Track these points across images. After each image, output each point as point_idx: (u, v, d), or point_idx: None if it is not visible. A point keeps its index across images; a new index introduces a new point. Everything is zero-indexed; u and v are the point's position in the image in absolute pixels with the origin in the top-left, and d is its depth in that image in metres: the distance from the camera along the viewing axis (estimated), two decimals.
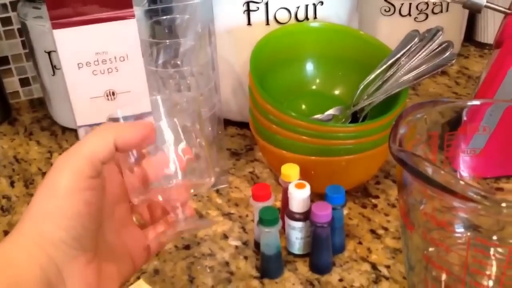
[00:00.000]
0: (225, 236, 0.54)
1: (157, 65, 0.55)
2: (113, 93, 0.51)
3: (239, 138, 0.70)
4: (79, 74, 0.49)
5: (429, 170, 0.37)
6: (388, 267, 0.50)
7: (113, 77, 0.50)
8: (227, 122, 0.72)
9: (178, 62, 0.55)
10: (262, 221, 0.47)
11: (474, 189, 0.35)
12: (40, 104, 0.79)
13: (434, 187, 0.36)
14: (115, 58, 0.49)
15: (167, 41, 0.55)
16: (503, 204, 0.35)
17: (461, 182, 0.35)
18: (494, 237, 0.47)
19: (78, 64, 0.48)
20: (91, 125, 0.52)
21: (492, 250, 0.47)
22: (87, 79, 0.49)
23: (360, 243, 0.53)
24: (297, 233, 0.50)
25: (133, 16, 0.48)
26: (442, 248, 0.42)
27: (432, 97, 0.78)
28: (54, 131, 0.74)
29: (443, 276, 0.44)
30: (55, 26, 0.47)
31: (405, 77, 0.56)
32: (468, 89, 0.80)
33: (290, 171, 0.50)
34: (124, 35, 0.48)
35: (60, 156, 0.37)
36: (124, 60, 0.49)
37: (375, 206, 0.57)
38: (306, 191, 0.48)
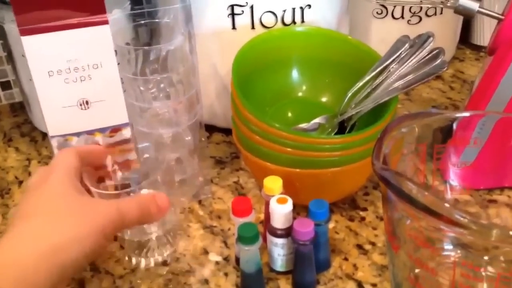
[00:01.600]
0: (206, 251, 0.52)
1: (135, 73, 0.52)
2: (87, 102, 0.48)
3: (224, 145, 0.68)
4: (50, 82, 0.46)
5: (414, 191, 0.34)
6: (374, 285, 0.48)
7: (86, 85, 0.47)
8: (213, 129, 0.70)
9: (158, 69, 0.53)
10: (240, 239, 0.44)
11: (461, 212, 0.33)
12: (21, 108, 0.77)
13: (419, 209, 0.34)
14: (88, 66, 0.47)
15: (146, 47, 0.52)
16: (495, 230, 0.32)
17: (446, 205, 0.33)
18: (486, 257, 0.45)
19: (48, 72, 0.46)
20: (64, 135, 0.49)
21: (482, 269, 0.45)
22: (58, 87, 0.47)
23: (346, 259, 0.50)
24: (279, 249, 0.47)
25: (106, 22, 0.46)
26: (428, 271, 0.40)
27: (425, 102, 0.76)
28: (34, 137, 0.71)
29: None
30: (23, 32, 0.44)
31: (395, 85, 0.54)
32: (462, 94, 0.77)
33: (273, 184, 0.48)
34: (97, 42, 0.46)
35: None
36: (97, 68, 0.47)
37: (363, 219, 0.55)
38: (288, 206, 0.46)
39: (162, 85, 0.53)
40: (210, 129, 0.70)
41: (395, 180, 0.35)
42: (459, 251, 0.44)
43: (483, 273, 0.43)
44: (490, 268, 0.45)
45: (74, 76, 0.47)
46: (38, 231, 0.39)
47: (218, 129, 0.70)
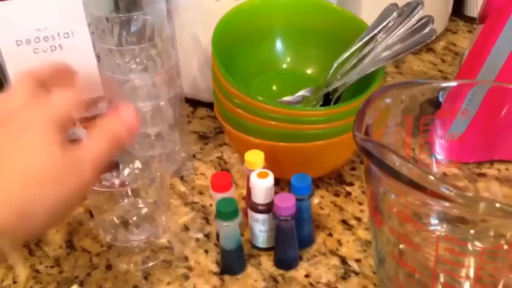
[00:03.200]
0: (186, 228, 0.50)
1: (111, 44, 0.50)
2: None
3: (208, 120, 0.66)
4: (19, 53, 0.44)
5: (397, 163, 0.33)
6: (358, 261, 0.46)
7: (58, 56, 0.45)
8: (197, 103, 0.68)
9: (135, 40, 0.51)
10: (219, 214, 0.43)
11: (446, 185, 0.31)
12: None
13: (403, 183, 0.32)
14: (58, 35, 0.45)
15: (121, 15, 0.50)
16: (482, 203, 0.31)
17: (431, 177, 0.31)
18: (472, 231, 0.43)
19: (16, 41, 0.44)
20: None
21: (469, 243, 0.44)
22: (28, 58, 0.45)
23: (330, 235, 0.49)
24: (260, 225, 0.46)
25: None
26: (412, 247, 0.38)
27: (416, 75, 0.74)
28: None
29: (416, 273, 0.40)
30: None
31: (382, 55, 0.52)
32: (454, 66, 0.75)
33: (254, 158, 0.46)
34: (66, 10, 0.44)
35: None
36: (68, 36, 0.45)
37: (348, 194, 0.54)
38: (269, 181, 0.44)
39: (139, 57, 0.51)
40: (194, 104, 0.68)
41: (378, 152, 0.33)
42: (445, 226, 0.43)
43: (470, 248, 0.41)
44: (477, 243, 0.44)
45: (44, 45, 0.45)
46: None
47: (203, 103, 0.68)
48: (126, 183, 0.46)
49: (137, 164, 0.49)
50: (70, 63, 0.46)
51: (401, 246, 0.40)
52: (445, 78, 0.72)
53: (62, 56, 0.45)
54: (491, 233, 0.44)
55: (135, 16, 0.49)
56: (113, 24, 0.50)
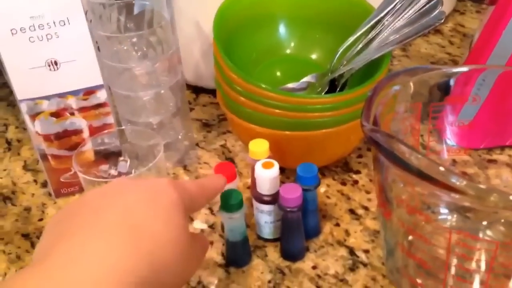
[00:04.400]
0: (190, 219, 0.49)
1: (109, 31, 0.49)
2: (56, 63, 0.45)
3: (211, 107, 0.65)
4: (14, 42, 0.43)
5: (406, 154, 0.31)
6: (366, 251, 0.45)
7: (54, 44, 0.44)
8: (199, 90, 0.66)
9: (134, 27, 0.49)
10: (223, 206, 0.42)
11: (457, 176, 0.30)
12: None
13: (412, 174, 0.31)
14: (53, 22, 0.43)
15: (119, 1, 0.48)
16: (494, 195, 0.29)
17: (442, 168, 0.30)
18: (484, 222, 0.42)
19: (11, 30, 0.42)
20: (33, 99, 0.46)
21: (481, 234, 0.42)
22: (23, 47, 0.43)
23: (337, 224, 0.48)
24: (266, 216, 0.45)
25: None
26: (421, 240, 0.37)
27: (423, 58, 0.72)
28: (12, 102, 0.68)
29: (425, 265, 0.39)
30: None
31: (389, 39, 0.50)
32: (462, 48, 0.73)
33: (259, 148, 0.45)
34: None
35: None
36: (64, 24, 0.43)
37: (356, 182, 0.52)
38: (274, 171, 0.43)
39: (139, 45, 0.50)
40: (197, 90, 0.67)
41: (386, 143, 0.32)
42: (455, 216, 0.41)
43: (481, 238, 0.40)
44: (489, 233, 0.42)
45: (40, 34, 0.43)
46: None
47: (205, 90, 0.67)
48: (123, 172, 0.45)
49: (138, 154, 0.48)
50: (67, 51, 0.45)
51: (410, 237, 0.39)
52: (454, 61, 0.71)
53: (58, 44, 0.44)
54: (502, 224, 0.43)
55: (133, 2, 0.48)
56: (111, 10, 0.48)
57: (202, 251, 0.37)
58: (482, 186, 0.29)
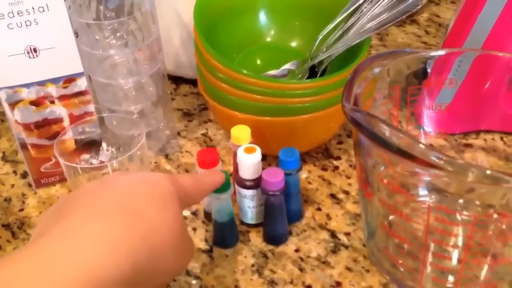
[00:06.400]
0: None
1: (89, 18, 0.48)
2: (35, 50, 0.44)
3: (192, 97, 0.65)
4: None
5: (387, 133, 0.32)
6: (348, 234, 0.46)
7: (33, 31, 0.43)
8: (180, 80, 0.66)
9: (114, 14, 0.49)
10: None
11: (436, 153, 0.31)
12: None
13: (392, 152, 0.32)
14: (32, 9, 0.43)
15: None
16: (472, 170, 0.30)
17: (421, 146, 0.31)
18: (461, 201, 0.43)
19: None
20: (12, 87, 0.46)
21: (458, 213, 0.43)
22: (2, 34, 0.43)
23: (319, 209, 0.49)
24: (248, 201, 0.45)
25: None
26: (402, 218, 0.38)
27: (400, 47, 0.73)
28: None
29: (406, 244, 0.40)
30: None
31: (367, 26, 0.51)
32: (438, 38, 0.75)
33: (241, 134, 0.46)
34: None
35: None
36: (43, 11, 0.43)
37: (336, 168, 0.53)
38: (257, 156, 0.43)
39: (119, 32, 0.50)
40: (177, 80, 0.67)
41: (367, 122, 0.33)
42: (434, 196, 0.43)
43: (459, 217, 0.41)
44: (465, 212, 0.44)
45: (19, 20, 0.43)
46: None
47: (186, 80, 0.67)
48: (105, 162, 0.45)
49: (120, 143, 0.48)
50: (47, 39, 0.44)
51: (391, 217, 0.40)
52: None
53: (37, 31, 0.43)
54: (478, 203, 0.44)
55: None
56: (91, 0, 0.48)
57: (190, 248, 0.36)
58: (460, 161, 0.30)
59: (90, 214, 0.30)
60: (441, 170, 0.31)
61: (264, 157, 0.52)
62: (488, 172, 0.30)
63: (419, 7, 0.48)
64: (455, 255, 0.39)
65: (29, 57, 0.44)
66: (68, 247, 0.27)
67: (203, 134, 0.59)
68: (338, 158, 0.54)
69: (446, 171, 0.31)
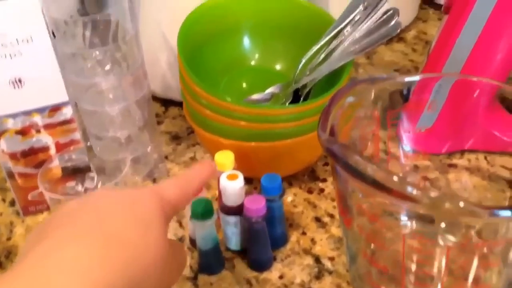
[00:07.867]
0: None
1: (74, 47, 0.49)
2: (20, 80, 0.45)
3: (180, 119, 0.65)
4: None
5: (362, 165, 0.32)
6: (332, 259, 0.46)
7: (18, 62, 0.44)
8: (168, 103, 0.67)
9: (99, 42, 0.49)
10: (194, 215, 0.42)
11: (411, 186, 0.31)
12: None
13: (368, 184, 0.32)
14: (17, 40, 0.43)
15: (82, 17, 0.48)
16: (447, 203, 0.30)
17: (395, 179, 0.31)
18: (443, 225, 0.44)
19: None
20: None
21: (440, 237, 0.44)
22: None
23: (304, 233, 0.49)
24: (232, 227, 0.46)
25: None
26: (381, 247, 0.38)
27: (387, 66, 0.74)
28: None
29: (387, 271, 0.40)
30: None
31: (350, 49, 0.51)
32: (424, 56, 0.75)
33: (224, 160, 0.46)
34: (25, 15, 0.42)
35: None
36: (28, 42, 0.44)
37: (322, 190, 0.53)
38: (239, 183, 0.44)
39: (104, 60, 0.50)
40: (166, 103, 0.67)
41: (342, 154, 0.33)
42: (414, 222, 0.43)
43: (441, 242, 0.41)
44: (449, 236, 0.44)
45: (3, 52, 0.43)
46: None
47: (174, 103, 0.67)
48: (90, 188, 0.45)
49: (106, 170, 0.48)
50: (31, 69, 0.45)
51: (372, 245, 0.40)
52: (416, 68, 0.73)
53: (22, 62, 0.44)
54: (462, 227, 0.44)
55: (97, 18, 0.48)
56: (75, 27, 0.49)
57: (181, 262, 0.36)
58: (435, 194, 0.31)
59: (66, 237, 0.28)
60: (416, 203, 0.31)
61: (250, 181, 0.52)
62: (462, 204, 0.30)
63: (398, 31, 0.49)
64: (436, 280, 0.39)
65: (14, 88, 0.45)
66: (37, 278, 0.26)
67: (190, 158, 0.59)
68: (324, 180, 0.55)
69: (421, 204, 0.31)
